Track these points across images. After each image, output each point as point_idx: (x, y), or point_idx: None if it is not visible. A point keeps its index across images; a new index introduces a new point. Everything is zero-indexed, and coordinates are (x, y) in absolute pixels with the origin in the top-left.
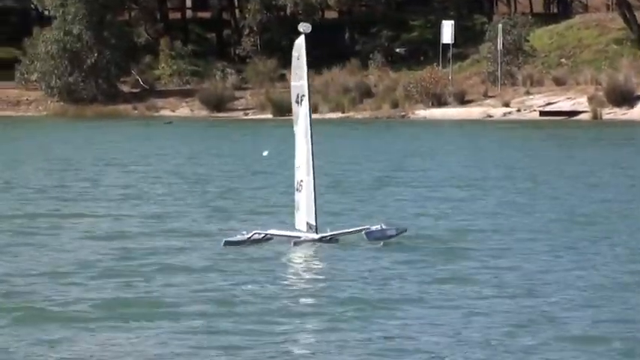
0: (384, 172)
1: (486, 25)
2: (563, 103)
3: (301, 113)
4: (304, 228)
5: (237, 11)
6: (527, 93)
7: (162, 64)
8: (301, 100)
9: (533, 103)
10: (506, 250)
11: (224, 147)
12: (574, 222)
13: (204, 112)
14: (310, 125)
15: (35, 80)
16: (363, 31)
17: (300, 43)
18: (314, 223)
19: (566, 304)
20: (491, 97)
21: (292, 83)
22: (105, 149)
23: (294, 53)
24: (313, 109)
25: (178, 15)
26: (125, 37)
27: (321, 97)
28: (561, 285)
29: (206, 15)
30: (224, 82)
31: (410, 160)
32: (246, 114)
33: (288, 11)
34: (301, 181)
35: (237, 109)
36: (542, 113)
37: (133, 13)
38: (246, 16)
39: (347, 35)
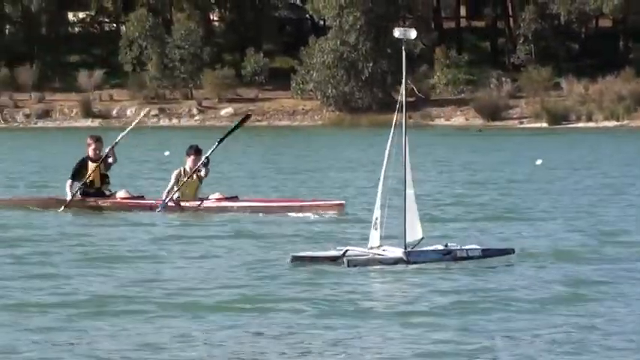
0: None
1: None
2: None
3: (395, 122)
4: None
5: (511, 20)
6: None
7: (437, 73)
8: (399, 110)
9: None
10: None
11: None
12: None
13: (478, 121)
14: (405, 134)
15: (311, 90)
16: (637, 39)
17: (403, 50)
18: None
19: None
20: None
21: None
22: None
23: (403, 61)
24: (588, 117)
25: (452, 24)
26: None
27: (595, 106)
28: None
29: (480, 24)
30: (499, 91)
31: None
32: (521, 122)
33: (562, 20)
34: (379, 193)
35: (511, 118)
36: None
37: (407, 23)
38: (521, 24)
39: (621, 43)
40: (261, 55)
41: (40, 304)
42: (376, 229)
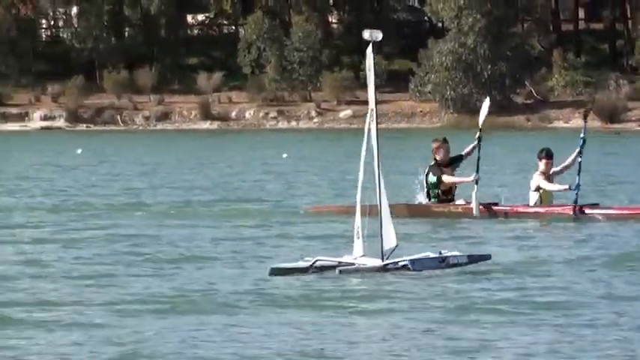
0: None
1: None
2: None
3: (367, 129)
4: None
5: (630, 22)
6: None
7: (556, 76)
8: (370, 115)
9: None
10: None
11: None
12: None
13: (597, 123)
14: (377, 143)
15: (429, 92)
16: None
17: (368, 53)
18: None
19: None
20: None
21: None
22: None
23: (366, 64)
24: None
25: (571, 26)
26: (520, 49)
27: None
28: None
29: (599, 26)
30: (617, 93)
31: None
32: None
33: None
34: (357, 202)
35: (630, 120)
36: None
37: (526, 25)
38: (639, 26)
39: None
40: (381, 57)
41: None
42: (358, 238)
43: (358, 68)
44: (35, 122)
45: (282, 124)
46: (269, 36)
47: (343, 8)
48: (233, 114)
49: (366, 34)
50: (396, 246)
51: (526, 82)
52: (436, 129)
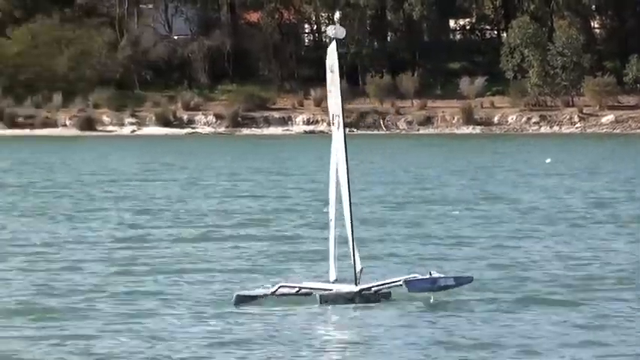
0: None
1: None
2: None
3: (334, 138)
4: (333, 278)
5: None
6: None
7: None
8: (335, 122)
9: None
10: None
11: None
12: None
13: None
14: (346, 152)
15: None
16: None
17: (331, 51)
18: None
19: None
20: None
21: (328, 101)
22: None
23: (327, 63)
24: None
25: None
26: None
27: None
28: None
29: None
30: None
31: None
32: None
33: None
34: (330, 220)
35: None
36: None
37: None
38: None
39: None
40: None
41: None
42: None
43: (621, 73)
44: (298, 126)
45: (545, 129)
46: (532, 41)
47: (606, 13)
48: (495, 119)
49: (331, 31)
50: (362, 269)
51: None
52: None
